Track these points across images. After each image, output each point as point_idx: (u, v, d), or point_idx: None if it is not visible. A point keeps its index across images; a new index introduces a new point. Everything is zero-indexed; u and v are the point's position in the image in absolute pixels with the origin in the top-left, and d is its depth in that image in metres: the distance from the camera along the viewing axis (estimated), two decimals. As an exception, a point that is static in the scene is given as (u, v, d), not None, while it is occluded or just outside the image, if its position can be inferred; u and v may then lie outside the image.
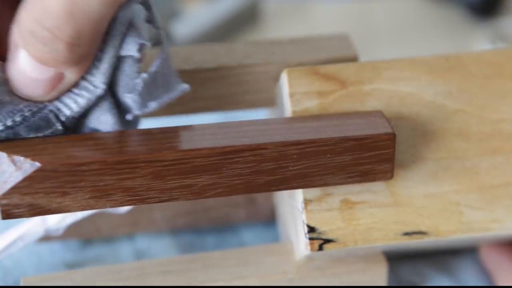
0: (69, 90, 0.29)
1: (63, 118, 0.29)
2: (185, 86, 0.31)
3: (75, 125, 0.30)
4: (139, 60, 0.29)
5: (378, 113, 0.32)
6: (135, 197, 0.29)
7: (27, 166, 0.27)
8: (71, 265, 0.40)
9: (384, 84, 0.33)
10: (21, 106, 0.29)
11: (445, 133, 0.34)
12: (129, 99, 0.30)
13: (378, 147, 0.30)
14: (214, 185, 0.29)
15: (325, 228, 0.32)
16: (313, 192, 0.32)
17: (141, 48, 0.29)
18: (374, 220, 0.32)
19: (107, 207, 0.29)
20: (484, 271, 0.40)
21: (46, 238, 0.39)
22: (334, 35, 0.37)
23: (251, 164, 0.29)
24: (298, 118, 0.31)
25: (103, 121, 0.30)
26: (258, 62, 0.35)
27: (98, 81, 0.29)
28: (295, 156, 0.29)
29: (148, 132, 0.30)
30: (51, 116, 0.29)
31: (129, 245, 0.41)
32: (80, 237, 0.40)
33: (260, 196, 0.41)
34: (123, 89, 0.30)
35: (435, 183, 0.33)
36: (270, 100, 0.36)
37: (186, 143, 0.29)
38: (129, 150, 0.28)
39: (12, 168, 0.27)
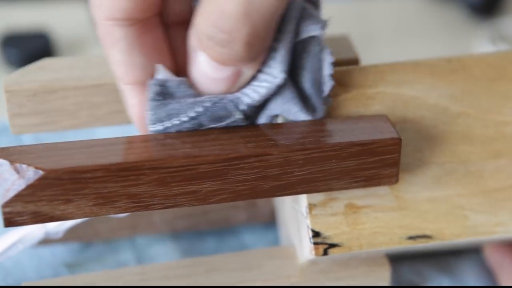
0: (248, 83, 0.30)
1: (243, 107, 0.30)
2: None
3: (255, 114, 0.31)
4: (322, 40, 0.30)
5: (383, 117, 0.32)
6: (139, 203, 0.29)
7: (30, 174, 0.27)
8: (72, 266, 0.39)
9: (387, 87, 0.33)
10: (202, 98, 0.30)
11: (449, 137, 0.33)
12: (325, 86, 0.31)
13: (383, 152, 0.30)
14: (219, 191, 0.29)
15: (330, 232, 0.32)
16: (318, 197, 0.32)
17: (323, 27, 0.30)
18: (378, 224, 0.32)
19: (110, 214, 0.29)
20: (485, 272, 0.40)
21: (46, 241, 0.39)
22: (334, 37, 0.37)
23: (256, 170, 0.29)
24: (303, 123, 0.31)
25: (286, 109, 0.30)
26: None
27: (276, 71, 0.30)
28: (301, 161, 0.29)
29: (152, 138, 0.29)
30: (230, 105, 0.30)
31: (129, 247, 0.41)
32: (80, 240, 0.40)
33: (260, 199, 0.41)
34: (310, 73, 0.31)
35: (439, 187, 0.33)
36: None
37: (191, 149, 0.29)
38: (133, 156, 0.28)
39: (15, 176, 0.27)
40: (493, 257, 0.40)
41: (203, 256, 0.36)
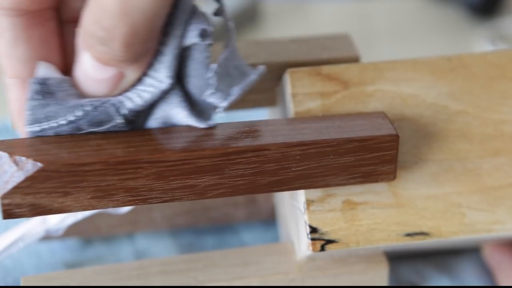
0: (133, 87, 0.29)
1: (124, 111, 0.29)
2: (262, 68, 0.31)
3: (141, 120, 0.30)
4: (208, 46, 0.29)
5: (381, 114, 0.32)
6: (138, 197, 0.29)
7: (29, 166, 0.27)
8: (71, 265, 0.40)
9: (386, 85, 0.33)
10: (83, 101, 0.29)
11: (447, 134, 0.34)
12: (208, 97, 0.30)
13: (381, 148, 0.30)
14: (217, 185, 0.29)
15: (327, 228, 0.32)
16: (315, 193, 0.32)
17: (203, 34, 0.29)
18: (376, 221, 0.32)
19: (109, 207, 0.29)
20: (485, 271, 0.40)
21: (46, 237, 0.39)
22: (335, 35, 0.37)
23: (254, 165, 0.29)
24: (301, 119, 0.31)
25: (173, 115, 0.30)
26: (260, 61, 0.35)
27: (162, 75, 0.29)
28: (298, 157, 0.29)
29: (151, 132, 0.30)
30: (112, 109, 0.29)
31: (129, 245, 0.41)
32: (79, 236, 0.40)
33: (260, 196, 0.41)
34: (196, 79, 0.30)
35: (437, 185, 0.33)
36: (271, 100, 0.36)
37: (189, 143, 0.29)
38: (131, 150, 0.28)
39: (14, 168, 0.27)
40: (492, 257, 0.40)
41: (201, 252, 0.36)
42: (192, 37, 0.29)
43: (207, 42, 0.29)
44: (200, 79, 0.30)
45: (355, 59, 0.35)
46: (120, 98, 0.29)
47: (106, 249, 0.41)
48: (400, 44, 0.58)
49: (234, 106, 0.36)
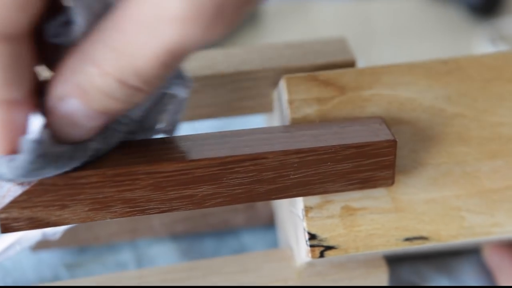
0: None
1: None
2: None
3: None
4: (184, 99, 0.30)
5: (378, 120, 0.32)
6: (135, 208, 0.29)
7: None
8: (71, 267, 0.40)
9: (383, 89, 0.33)
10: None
11: (445, 138, 0.33)
12: (160, 129, 0.30)
13: (379, 154, 0.30)
14: (215, 195, 0.29)
15: (326, 235, 0.32)
16: (314, 199, 0.32)
17: (186, 87, 0.29)
18: (375, 226, 0.32)
19: (106, 219, 0.29)
20: (485, 272, 0.40)
21: (44, 245, 0.39)
22: (331, 39, 0.37)
23: (252, 174, 0.29)
24: (298, 126, 0.31)
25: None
26: (255, 68, 0.35)
27: (136, 115, 0.29)
28: (296, 164, 0.29)
29: (148, 142, 0.30)
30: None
31: (128, 246, 0.41)
32: (78, 245, 0.40)
33: (259, 202, 0.41)
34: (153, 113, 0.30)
35: (435, 188, 0.33)
36: (268, 106, 0.36)
37: (186, 153, 0.29)
38: (128, 161, 0.28)
39: (11, 182, 0.27)
40: (492, 258, 0.40)
41: (201, 260, 0.36)
42: (175, 89, 0.28)
43: (185, 95, 0.29)
44: (156, 113, 0.30)
45: (351, 63, 0.35)
46: (94, 144, 0.27)
47: (106, 251, 0.41)
48: (400, 44, 0.58)
49: (230, 113, 0.36)
